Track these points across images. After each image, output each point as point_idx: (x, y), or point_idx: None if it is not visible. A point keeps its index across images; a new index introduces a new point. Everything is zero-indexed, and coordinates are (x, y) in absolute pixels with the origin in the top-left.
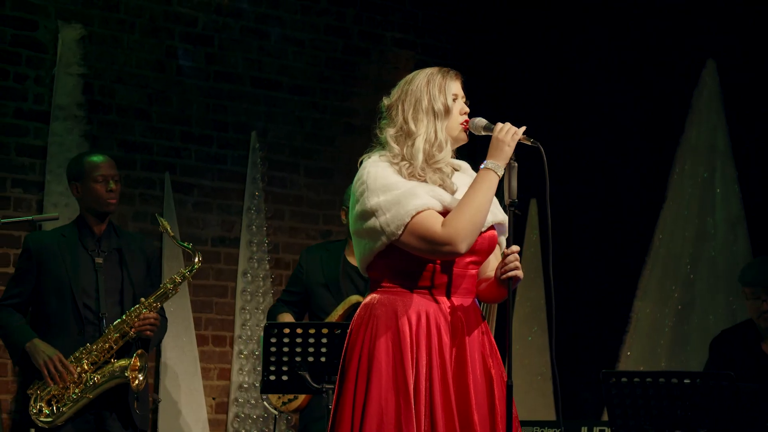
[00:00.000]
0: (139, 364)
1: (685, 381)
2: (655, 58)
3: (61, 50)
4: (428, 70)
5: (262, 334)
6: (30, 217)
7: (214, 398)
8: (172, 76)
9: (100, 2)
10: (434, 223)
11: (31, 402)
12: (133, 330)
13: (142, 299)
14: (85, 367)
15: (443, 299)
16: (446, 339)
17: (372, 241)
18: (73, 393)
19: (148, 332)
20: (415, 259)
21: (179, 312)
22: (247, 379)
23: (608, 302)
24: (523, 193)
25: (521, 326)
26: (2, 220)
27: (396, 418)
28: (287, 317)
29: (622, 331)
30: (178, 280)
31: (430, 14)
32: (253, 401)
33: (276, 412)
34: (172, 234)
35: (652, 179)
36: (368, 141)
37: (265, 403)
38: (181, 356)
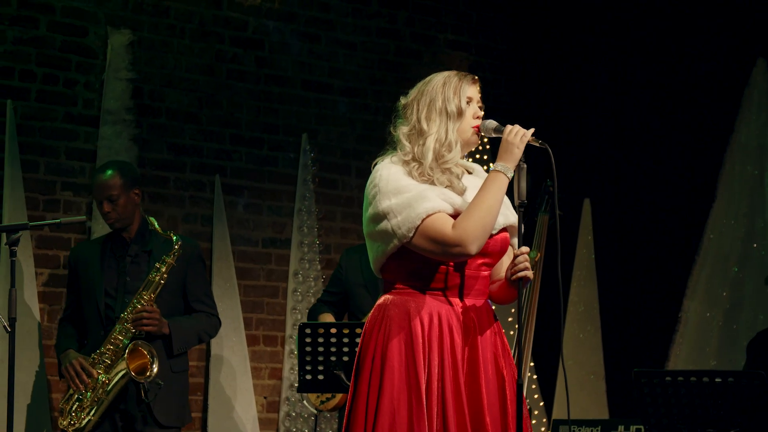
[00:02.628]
0: (147, 356)
1: (717, 380)
2: (705, 56)
3: (110, 55)
4: (446, 73)
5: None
6: (58, 221)
7: (265, 397)
8: (222, 79)
9: (149, 8)
10: (444, 225)
11: (61, 414)
12: (131, 326)
13: (137, 295)
14: (99, 370)
15: (455, 300)
16: (458, 339)
17: (384, 244)
18: (91, 397)
19: (146, 327)
20: (426, 261)
21: (229, 312)
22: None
23: (658, 301)
24: (576, 194)
25: (573, 325)
26: (30, 223)
27: (408, 417)
28: (328, 318)
29: (672, 331)
30: (162, 267)
31: (484, 15)
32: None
33: (315, 411)
34: (159, 229)
35: (702, 179)
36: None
37: (304, 402)
38: (230, 356)
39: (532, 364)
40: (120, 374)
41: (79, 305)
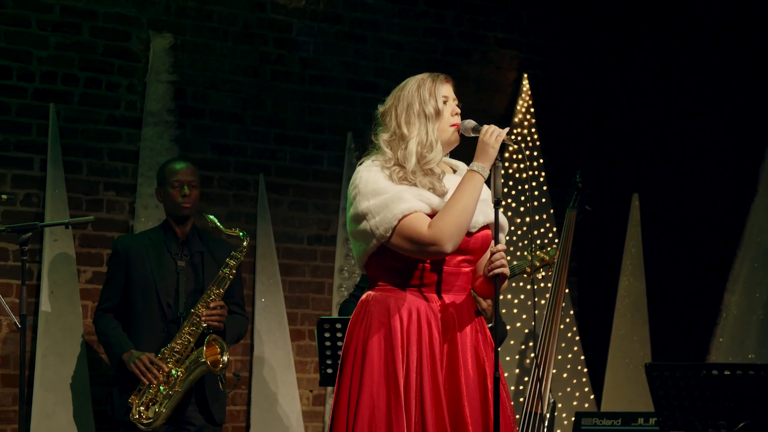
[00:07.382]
0: (218, 348)
1: (726, 373)
2: (746, 50)
3: (152, 59)
4: (419, 76)
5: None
6: (66, 221)
7: (311, 391)
8: (267, 80)
9: (192, 12)
10: (421, 225)
11: (132, 410)
12: (203, 320)
13: (207, 291)
14: (170, 365)
15: (434, 296)
16: (437, 335)
17: (365, 243)
18: (164, 391)
19: (216, 322)
20: (406, 259)
21: (272, 308)
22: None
23: (700, 294)
24: (623, 188)
25: (622, 319)
26: (39, 224)
27: (387, 411)
28: None
29: (713, 323)
30: (232, 263)
31: (534, 13)
32: None
33: None
34: (220, 226)
35: (744, 172)
36: (468, 142)
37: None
38: (273, 350)
39: (582, 358)
40: (198, 368)
41: (127, 297)
